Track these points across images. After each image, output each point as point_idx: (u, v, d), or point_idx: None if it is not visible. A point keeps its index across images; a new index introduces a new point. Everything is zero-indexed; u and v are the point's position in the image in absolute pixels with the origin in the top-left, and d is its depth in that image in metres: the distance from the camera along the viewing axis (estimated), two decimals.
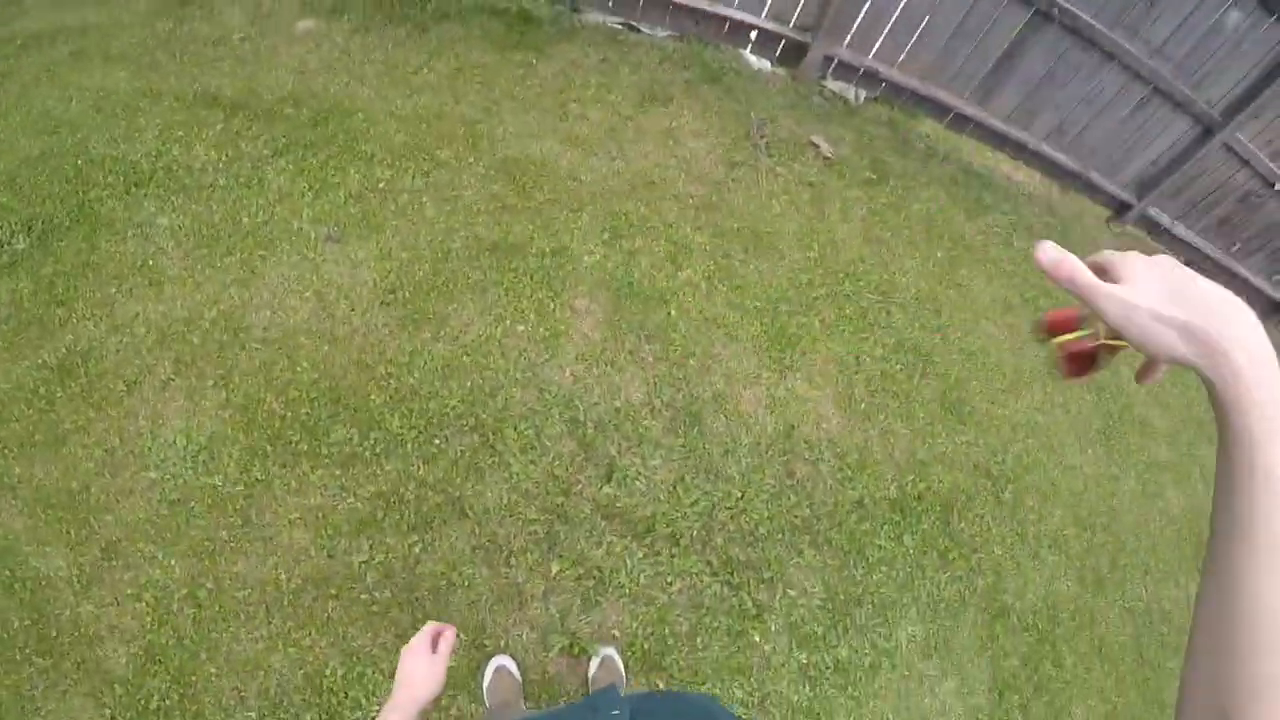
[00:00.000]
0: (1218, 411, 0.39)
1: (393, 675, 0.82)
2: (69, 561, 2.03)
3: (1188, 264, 0.45)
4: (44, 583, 2.04)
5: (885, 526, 2.16)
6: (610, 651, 1.84)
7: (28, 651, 1.99)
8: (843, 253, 2.44)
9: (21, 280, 2.26)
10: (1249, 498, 0.36)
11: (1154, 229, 3.58)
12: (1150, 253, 0.43)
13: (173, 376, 2.17)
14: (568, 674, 1.86)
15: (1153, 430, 3.10)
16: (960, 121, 3.03)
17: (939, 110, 2.99)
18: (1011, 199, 3.02)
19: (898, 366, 2.36)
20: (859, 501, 2.14)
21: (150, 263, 2.36)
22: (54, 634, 2.00)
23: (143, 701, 1.92)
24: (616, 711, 0.63)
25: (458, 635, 0.90)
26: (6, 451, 2.07)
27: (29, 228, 2.37)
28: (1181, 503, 3.07)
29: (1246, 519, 0.36)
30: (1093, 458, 2.80)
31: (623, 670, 1.84)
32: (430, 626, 0.88)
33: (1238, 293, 0.40)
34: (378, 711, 0.83)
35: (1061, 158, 3.14)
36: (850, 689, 2.04)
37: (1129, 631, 2.74)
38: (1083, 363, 0.52)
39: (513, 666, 1.77)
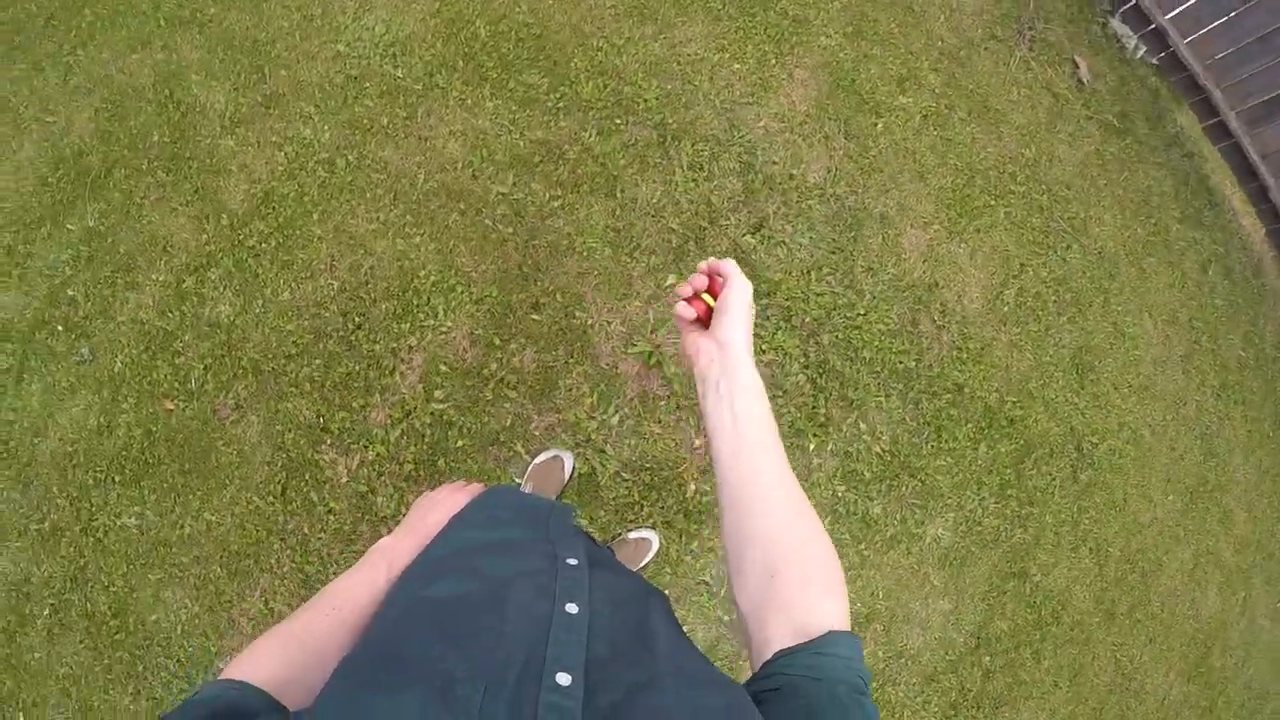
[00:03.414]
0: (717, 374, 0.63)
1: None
2: (228, 99, 2.13)
3: None
4: (197, 110, 2.15)
5: (969, 425, 2.10)
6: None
7: (155, 164, 2.12)
8: (1055, 170, 2.31)
9: None
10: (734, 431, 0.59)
11: None
12: None
13: None
14: (631, 379, 1.89)
15: (1231, 525, 2.92)
16: (1219, 132, 2.80)
17: (1204, 109, 2.76)
18: (1227, 233, 2.80)
19: (1052, 298, 2.25)
20: (960, 387, 2.08)
21: None
22: (186, 155, 2.11)
23: (242, 238, 2.03)
24: (574, 561, 0.57)
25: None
26: None
27: None
28: (1215, 607, 2.91)
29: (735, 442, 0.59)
30: (1168, 507, 2.66)
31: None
32: (456, 485, 0.81)
33: None
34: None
35: None
36: (863, 546, 2.03)
37: (1106, 677, 2.65)
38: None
39: (569, 463, 1.74)
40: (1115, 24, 2.65)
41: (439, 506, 0.74)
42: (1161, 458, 2.61)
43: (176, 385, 2.04)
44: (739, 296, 0.65)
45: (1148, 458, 2.56)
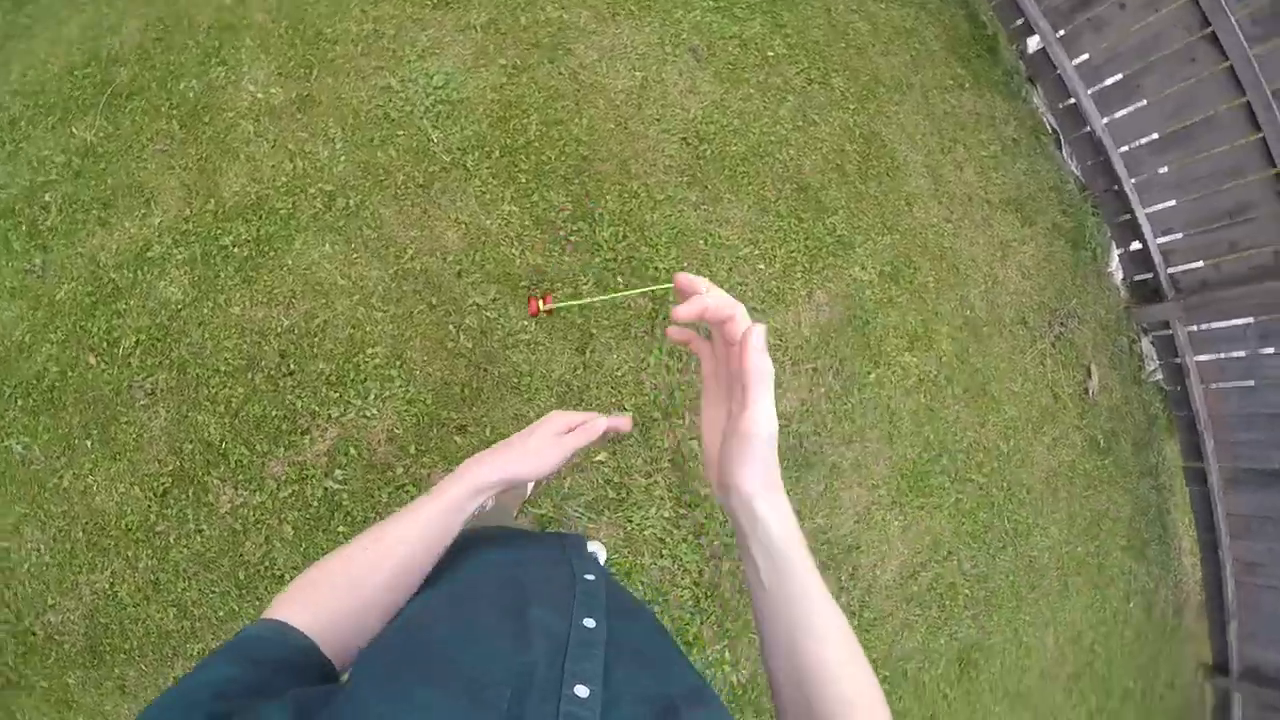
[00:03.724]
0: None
1: None
2: (268, 80, 2.07)
3: None
4: (235, 78, 2.10)
5: None
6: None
7: (175, 113, 2.05)
8: (1023, 472, 2.30)
9: None
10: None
11: None
12: None
13: None
14: None
15: None
16: (1197, 477, 2.80)
17: (1192, 450, 2.76)
18: (1165, 570, 2.81)
19: (965, 593, 2.24)
20: None
21: None
22: (206, 120, 2.05)
23: (220, 233, 1.96)
24: (591, 577, 0.58)
25: (609, 437, 0.70)
26: None
27: None
28: None
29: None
30: None
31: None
32: (590, 416, 0.70)
33: None
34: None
35: None
36: None
37: None
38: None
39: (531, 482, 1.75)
40: (1144, 344, 2.63)
41: (533, 450, 0.64)
42: None
43: (106, 344, 1.98)
44: (755, 422, 0.46)
45: None
